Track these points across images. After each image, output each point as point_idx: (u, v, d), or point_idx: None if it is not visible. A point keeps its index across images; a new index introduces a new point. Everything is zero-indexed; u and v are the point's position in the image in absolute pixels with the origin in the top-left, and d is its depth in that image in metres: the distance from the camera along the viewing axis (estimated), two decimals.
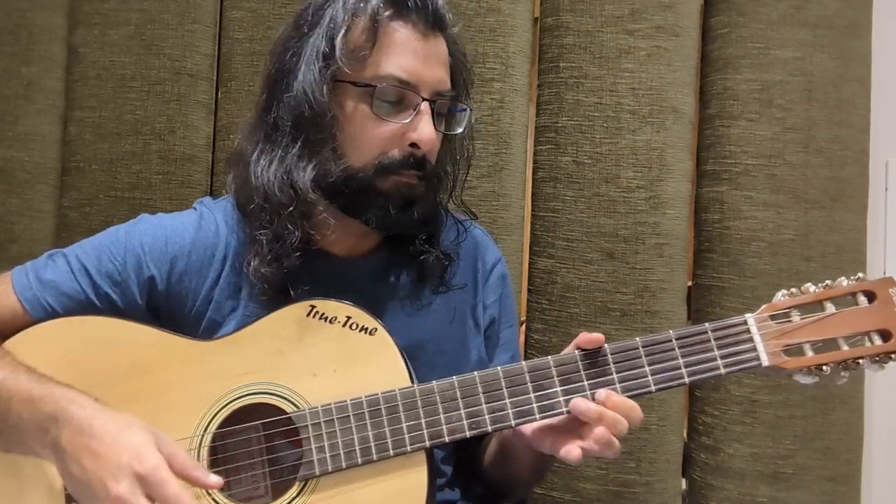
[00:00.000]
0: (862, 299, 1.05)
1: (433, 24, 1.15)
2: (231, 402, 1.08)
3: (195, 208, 1.26)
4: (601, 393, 1.02)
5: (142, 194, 1.76)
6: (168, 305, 1.18)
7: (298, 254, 1.13)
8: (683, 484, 1.72)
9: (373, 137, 1.13)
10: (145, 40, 1.77)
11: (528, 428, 1.08)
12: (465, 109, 1.22)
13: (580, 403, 1.01)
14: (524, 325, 1.73)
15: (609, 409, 1.00)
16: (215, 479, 0.96)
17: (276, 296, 1.13)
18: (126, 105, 1.77)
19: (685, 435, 1.72)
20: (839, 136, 1.64)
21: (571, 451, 1.00)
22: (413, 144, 1.13)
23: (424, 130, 1.12)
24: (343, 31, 1.11)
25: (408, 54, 1.12)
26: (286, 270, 1.13)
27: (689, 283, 1.72)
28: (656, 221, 1.64)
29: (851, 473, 1.64)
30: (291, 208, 1.12)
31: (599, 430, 0.99)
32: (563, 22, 1.70)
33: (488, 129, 1.69)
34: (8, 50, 1.80)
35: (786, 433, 1.61)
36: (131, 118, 1.77)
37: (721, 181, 1.66)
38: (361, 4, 1.12)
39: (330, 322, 1.09)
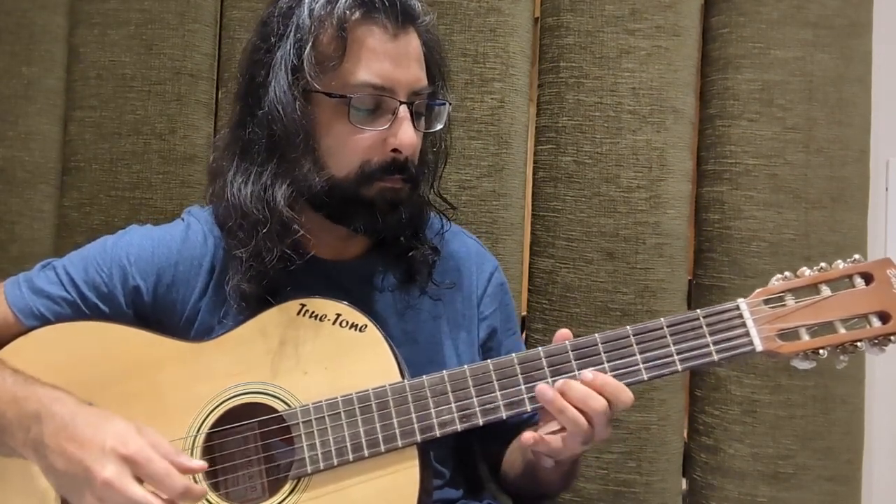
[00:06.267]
0: (859, 281, 1.03)
1: (402, 20, 1.10)
2: (223, 402, 1.08)
3: (182, 218, 1.26)
4: (587, 373, 1.01)
5: (142, 194, 1.76)
6: (156, 315, 1.18)
7: (282, 267, 1.11)
8: (684, 484, 1.71)
9: (353, 147, 1.10)
10: (146, 40, 1.77)
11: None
12: (443, 103, 1.19)
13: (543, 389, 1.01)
14: (524, 324, 1.73)
15: (596, 389, 0.99)
16: (199, 464, 0.97)
17: (259, 308, 1.12)
18: (126, 105, 1.78)
19: (685, 435, 1.72)
20: (839, 136, 1.63)
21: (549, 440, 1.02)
22: (394, 149, 1.11)
23: (405, 135, 1.09)
24: (311, 41, 1.07)
25: (380, 58, 1.08)
26: (266, 284, 1.12)
27: (690, 279, 1.71)
28: (656, 221, 1.64)
29: (851, 473, 1.63)
30: (267, 227, 1.09)
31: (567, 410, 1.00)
32: (563, 22, 1.69)
33: (488, 129, 1.68)
34: (8, 50, 1.80)
35: (786, 433, 1.60)
36: (132, 118, 1.77)
37: (721, 181, 1.66)
38: (326, 10, 1.08)
39: (320, 320, 1.09)
